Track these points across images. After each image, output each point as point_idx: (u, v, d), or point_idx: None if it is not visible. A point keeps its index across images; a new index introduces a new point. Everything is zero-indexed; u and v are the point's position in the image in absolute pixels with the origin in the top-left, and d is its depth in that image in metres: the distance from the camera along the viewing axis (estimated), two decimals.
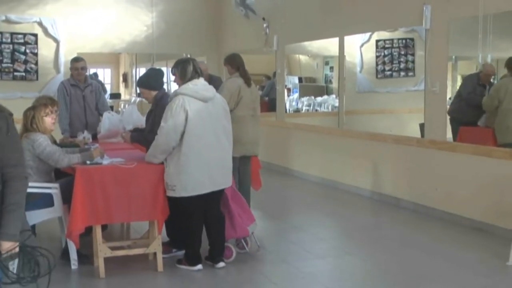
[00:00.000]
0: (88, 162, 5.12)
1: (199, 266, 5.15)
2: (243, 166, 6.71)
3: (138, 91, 19.21)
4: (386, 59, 9.52)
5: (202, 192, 5.03)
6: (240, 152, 6.34)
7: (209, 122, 5.05)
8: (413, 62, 9.23)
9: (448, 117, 7.20)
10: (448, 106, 7.27)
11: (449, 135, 7.20)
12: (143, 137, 5.59)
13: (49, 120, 5.39)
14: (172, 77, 5.33)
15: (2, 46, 11.24)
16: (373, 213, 7.71)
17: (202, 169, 4.98)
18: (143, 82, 5.54)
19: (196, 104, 4.98)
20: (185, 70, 5.10)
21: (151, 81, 5.50)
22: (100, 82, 15.18)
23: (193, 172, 4.94)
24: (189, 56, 12.63)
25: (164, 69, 8.62)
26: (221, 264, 5.23)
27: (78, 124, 7.18)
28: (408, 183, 7.59)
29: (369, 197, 8.23)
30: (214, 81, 6.72)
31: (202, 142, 4.98)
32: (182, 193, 4.97)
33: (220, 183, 5.15)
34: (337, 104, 10.00)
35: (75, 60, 7.37)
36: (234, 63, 6.73)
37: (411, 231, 6.63)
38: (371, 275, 5.25)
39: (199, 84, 5.09)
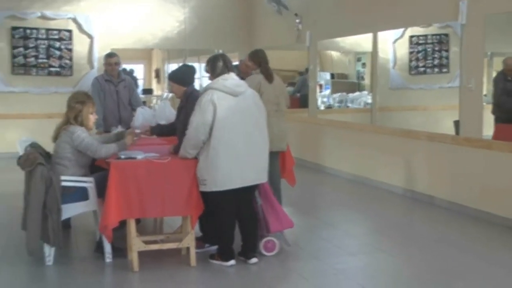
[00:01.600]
0: (122, 156, 5.16)
1: (232, 262, 5.17)
2: (271, 162, 6.70)
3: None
4: (419, 55, 9.41)
5: (232, 187, 5.03)
6: None
7: (239, 117, 5.05)
8: (447, 58, 9.12)
9: (494, 117, 7.11)
10: (484, 104, 7.16)
11: (490, 132, 7.08)
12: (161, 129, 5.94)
13: (92, 118, 5.49)
14: (205, 74, 5.39)
15: (38, 42, 11.43)
16: (405, 211, 7.65)
17: (232, 163, 4.98)
18: (174, 76, 5.57)
19: (226, 99, 5.00)
20: (215, 66, 5.15)
21: (182, 76, 5.54)
22: (134, 78, 15.31)
23: (223, 167, 4.95)
24: (221, 52, 12.71)
25: (196, 65, 8.65)
26: (254, 259, 5.23)
27: (112, 119, 7.27)
28: (442, 181, 7.50)
29: (402, 195, 8.16)
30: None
31: (231, 136, 4.99)
32: (213, 187, 4.99)
33: (252, 178, 5.15)
34: (369, 101, 9.92)
35: (109, 55, 7.47)
36: (256, 59, 6.78)
37: (444, 229, 6.56)
38: (403, 272, 5.21)
39: (229, 79, 5.11)
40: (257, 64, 6.77)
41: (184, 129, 5.13)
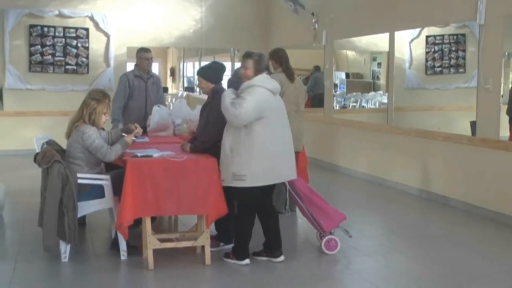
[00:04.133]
0: (139, 155, 5.18)
1: (247, 261, 5.18)
2: None
3: (185, 85, 19.25)
4: (436, 55, 9.36)
5: (271, 183, 5.12)
6: None
7: (278, 115, 5.13)
8: (464, 58, 9.05)
9: (508, 118, 7.04)
10: (501, 105, 7.10)
11: (506, 133, 7.02)
12: (200, 145, 5.47)
13: (104, 118, 5.49)
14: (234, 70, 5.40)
15: (55, 40, 11.51)
16: (421, 211, 7.61)
17: (272, 160, 5.01)
18: (204, 72, 5.56)
19: (270, 97, 5.07)
20: (262, 62, 5.16)
21: (212, 73, 5.53)
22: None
23: (265, 162, 4.97)
24: (237, 51, 12.76)
25: None
26: (281, 257, 5.27)
27: (137, 115, 7.14)
28: (458, 182, 7.46)
29: (417, 195, 8.13)
30: None
31: (273, 133, 5.04)
32: (254, 183, 4.98)
33: (286, 175, 5.23)
34: (384, 101, 9.89)
35: (145, 50, 7.32)
36: (278, 58, 6.78)
37: (460, 231, 6.52)
38: (418, 274, 5.18)
39: (271, 78, 5.20)
40: (278, 63, 6.76)
41: (206, 125, 5.13)
